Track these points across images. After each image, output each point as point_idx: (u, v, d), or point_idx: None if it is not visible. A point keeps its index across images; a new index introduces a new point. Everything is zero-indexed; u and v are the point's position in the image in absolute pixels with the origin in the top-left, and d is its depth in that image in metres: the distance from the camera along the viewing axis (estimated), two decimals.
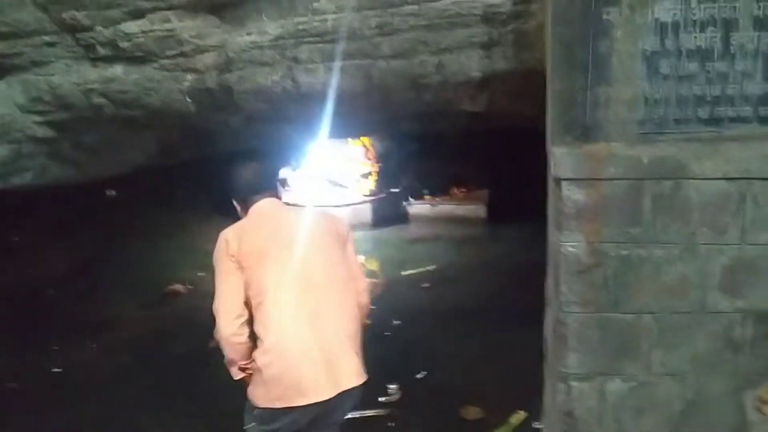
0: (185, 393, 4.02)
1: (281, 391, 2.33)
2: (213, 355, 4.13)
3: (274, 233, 2.45)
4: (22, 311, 5.44)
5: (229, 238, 2.38)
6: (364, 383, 2.43)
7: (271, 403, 2.34)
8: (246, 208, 2.51)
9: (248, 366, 2.39)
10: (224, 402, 3.80)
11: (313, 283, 2.40)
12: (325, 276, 2.44)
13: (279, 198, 2.59)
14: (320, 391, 2.32)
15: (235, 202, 2.57)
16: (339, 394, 2.35)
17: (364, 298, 2.61)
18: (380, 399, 3.84)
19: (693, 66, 2.16)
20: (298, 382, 2.32)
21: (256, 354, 2.35)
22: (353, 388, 2.39)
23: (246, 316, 2.36)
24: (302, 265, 2.40)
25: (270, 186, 2.57)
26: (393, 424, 3.61)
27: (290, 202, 2.82)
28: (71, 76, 2.96)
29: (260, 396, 2.37)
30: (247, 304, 2.36)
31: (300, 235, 2.47)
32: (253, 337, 2.38)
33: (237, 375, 2.43)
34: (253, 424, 2.46)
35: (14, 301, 5.51)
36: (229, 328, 2.34)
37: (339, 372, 2.35)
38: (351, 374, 2.39)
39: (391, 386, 3.96)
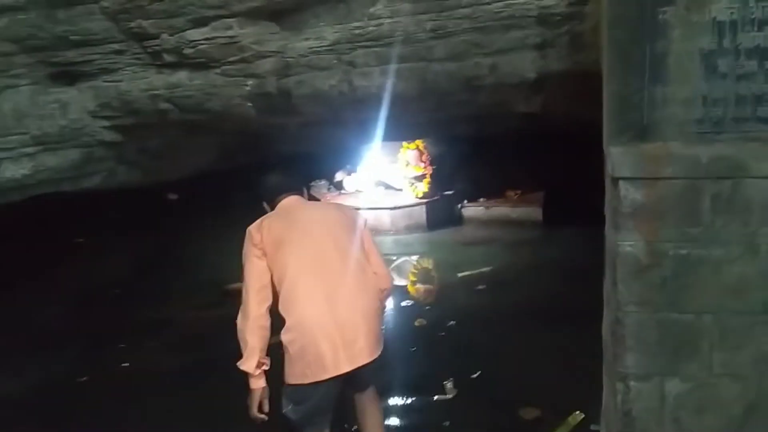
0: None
1: (305, 367, 2.58)
2: (272, 350, 4.22)
3: (293, 223, 2.73)
4: (88, 310, 5.66)
5: (254, 230, 2.67)
6: (380, 355, 2.72)
7: (299, 379, 2.59)
8: (273, 207, 2.80)
9: (265, 361, 2.62)
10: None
11: (329, 266, 2.66)
12: (340, 260, 2.69)
13: (303, 197, 2.90)
14: (339, 365, 2.58)
15: (264, 204, 2.84)
16: (358, 368, 2.62)
17: (384, 284, 2.85)
18: (435, 397, 3.88)
19: (751, 65, 2.12)
20: (319, 357, 2.57)
21: (282, 334, 2.57)
22: (371, 362, 2.66)
23: (270, 302, 2.62)
24: (318, 250, 2.67)
25: (294, 187, 2.88)
26: (448, 423, 3.63)
27: (312, 199, 3.11)
28: (138, 82, 3.10)
29: (289, 374, 2.61)
30: (272, 291, 2.63)
31: (316, 224, 2.77)
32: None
33: (252, 368, 2.61)
34: (290, 406, 2.69)
35: (81, 299, 5.75)
36: (257, 310, 2.59)
37: (355, 348, 2.61)
38: (366, 350, 2.65)
39: (447, 383, 3.98)
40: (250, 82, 2.96)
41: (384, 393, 3.08)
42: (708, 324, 2.27)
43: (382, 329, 2.84)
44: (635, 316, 2.29)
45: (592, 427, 3.31)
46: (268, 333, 2.63)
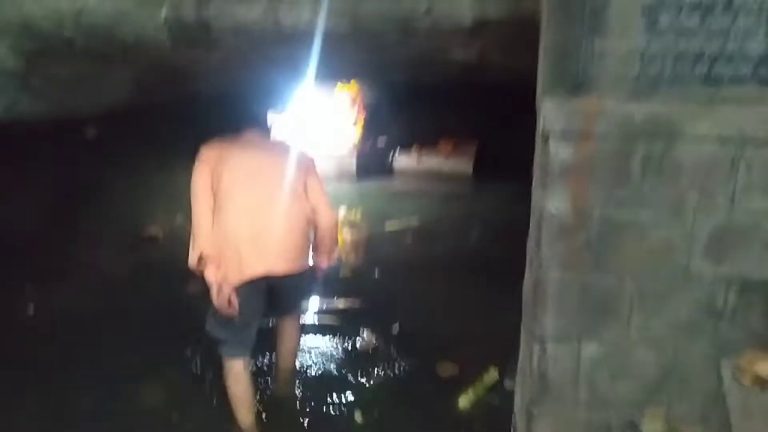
0: (157, 338, 3.98)
1: (228, 269, 2.95)
2: (188, 301, 4.12)
3: (243, 150, 3.17)
4: None
5: (208, 148, 3.16)
6: (301, 275, 3.14)
7: (224, 280, 2.93)
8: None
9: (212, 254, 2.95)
10: (193, 344, 3.81)
11: (261, 187, 3.08)
12: (273, 185, 3.10)
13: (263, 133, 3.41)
14: (254, 267, 2.98)
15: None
16: (275, 280, 3.05)
17: (325, 219, 3.23)
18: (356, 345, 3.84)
19: (693, 21, 2.04)
20: (237, 258, 2.96)
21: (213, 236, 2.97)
22: (288, 276, 3.06)
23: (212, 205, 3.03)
24: (255, 172, 3.09)
25: (256, 124, 3.37)
26: (365, 379, 3.59)
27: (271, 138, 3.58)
28: (41, 3, 2.79)
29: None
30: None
31: (260, 152, 3.21)
32: None
33: (199, 264, 2.95)
34: (214, 321, 3.08)
35: None
36: (202, 209, 3.01)
37: (270, 255, 3.01)
38: (282, 261, 3.05)
39: (365, 334, 3.95)
40: (164, 9, 2.69)
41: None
42: (629, 288, 2.23)
43: (306, 257, 3.20)
44: (557, 278, 2.24)
45: (506, 383, 3.32)
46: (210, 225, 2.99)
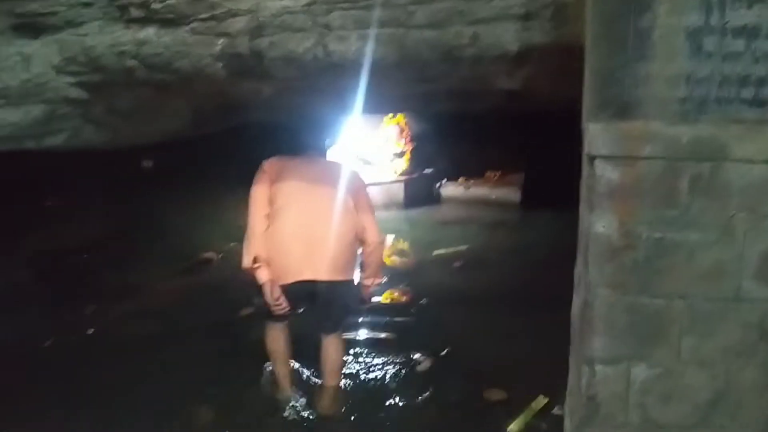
0: (207, 360, 4.08)
1: (278, 271, 3.27)
2: (241, 323, 4.22)
3: (301, 167, 3.49)
4: (55, 274, 5.56)
5: (269, 161, 3.50)
6: (345, 286, 3.39)
7: (274, 282, 3.26)
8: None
9: (264, 257, 3.26)
10: (247, 367, 3.89)
11: (315, 201, 3.36)
12: (327, 200, 3.37)
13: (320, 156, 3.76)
14: (302, 272, 3.26)
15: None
16: (318, 282, 3.27)
17: (371, 237, 3.49)
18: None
19: (738, 44, 2.06)
20: (287, 263, 3.27)
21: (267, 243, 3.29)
22: (332, 282, 3.30)
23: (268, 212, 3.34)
24: (311, 188, 3.38)
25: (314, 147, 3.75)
26: (412, 401, 3.61)
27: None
28: (104, 37, 2.96)
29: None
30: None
31: (317, 170, 3.52)
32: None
33: (253, 265, 3.27)
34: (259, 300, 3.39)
35: (47, 264, 5.64)
36: (259, 216, 3.33)
37: (317, 262, 3.26)
38: (328, 269, 3.28)
39: (418, 356, 3.97)
40: (220, 41, 2.83)
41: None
42: (679, 309, 2.22)
43: (351, 270, 3.45)
44: (605, 299, 2.24)
45: (555, 410, 3.30)
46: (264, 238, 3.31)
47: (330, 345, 3.54)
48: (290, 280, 3.27)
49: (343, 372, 3.75)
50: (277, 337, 3.55)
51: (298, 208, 3.32)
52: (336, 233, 3.31)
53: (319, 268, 3.27)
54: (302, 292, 3.33)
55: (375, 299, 3.68)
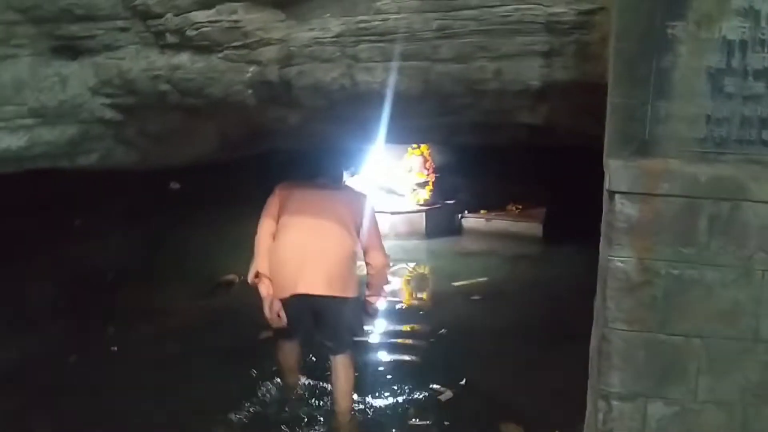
0: (226, 381, 4.12)
1: (277, 287, 3.47)
2: (260, 347, 4.27)
3: (309, 190, 3.71)
4: (81, 291, 5.64)
5: (282, 185, 3.75)
6: (343, 302, 3.48)
7: (274, 296, 3.48)
8: None
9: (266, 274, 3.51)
10: (266, 390, 3.93)
11: (318, 221, 3.52)
12: (330, 220, 3.53)
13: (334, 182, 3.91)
14: (297, 286, 3.40)
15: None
16: (314, 297, 3.41)
17: (376, 260, 3.68)
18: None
19: (759, 87, 2.09)
20: (284, 278, 3.45)
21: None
22: (329, 298, 3.42)
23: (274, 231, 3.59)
24: (315, 208, 3.58)
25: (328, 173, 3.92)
26: (434, 428, 3.61)
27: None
28: (140, 61, 3.05)
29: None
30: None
31: (325, 193, 3.72)
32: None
33: (255, 279, 3.55)
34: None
35: (75, 281, 5.72)
36: (264, 234, 3.59)
37: (312, 278, 3.40)
38: (324, 285, 3.41)
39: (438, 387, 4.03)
40: (251, 68, 2.91)
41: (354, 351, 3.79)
42: (696, 348, 2.23)
43: (350, 288, 3.53)
44: (623, 335, 2.25)
45: None
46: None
47: (338, 366, 3.62)
48: (287, 294, 3.44)
49: (353, 393, 3.77)
50: (287, 352, 3.80)
51: (299, 227, 3.52)
52: (332, 251, 3.47)
53: (314, 283, 3.40)
54: (302, 307, 3.47)
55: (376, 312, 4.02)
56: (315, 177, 3.85)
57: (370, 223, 3.69)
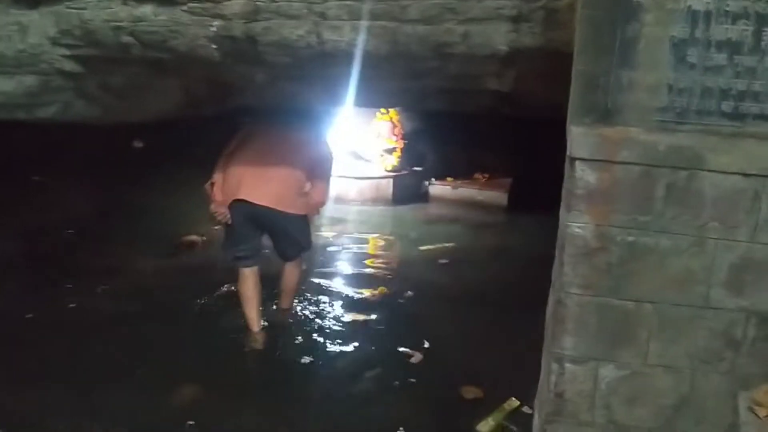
0: (185, 340, 4.12)
1: (226, 194, 3.95)
2: (220, 305, 4.26)
3: (273, 126, 4.15)
4: (39, 249, 5.57)
5: (248, 125, 4.21)
6: (288, 215, 3.99)
7: (223, 202, 3.96)
8: None
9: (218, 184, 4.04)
10: (226, 348, 3.94)
11: (271, 151, 3.97)
12: (283, 153, 3.98)
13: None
14: (247, 193, 3.88)
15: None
16: (258, 206, 3.89)
17: (317, 196, 4.17)
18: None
19: (721, 58, 2.11)
20: (235, 186, 3.90)
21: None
22: (273, 210, 3.92)
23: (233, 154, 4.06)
24: (270, 142, 4.04)
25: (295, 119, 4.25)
26: (388, 385, 3.66)
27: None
28: (101, 11, 2.95)
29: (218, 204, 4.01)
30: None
31: (285, 132, 4.12)
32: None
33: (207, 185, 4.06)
34: (224, 240, 4.20)
35: (32, 239, 5.64)
36: (224, 155, 4.06)
37: (262, 191, 3.88)
38: (273, 198, 3.90)
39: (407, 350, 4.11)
40: (216, 22, 2.84)
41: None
42: (647, 313, 2.28)
43: (293, 208, 4.01)
44: (577, 299, 2.30)
45: (526, 409, 3.34)
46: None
47: (287, 268, 4.37)
48: (231, 198, 3.91)
49: (295, 293, 4.58)
50: (246, 280, 4.11)
51: (255, 151, 3.98)
52: (280, 174, 3.94)
53: (257, 194, 3.88)
54: (243, 212, 3.92)
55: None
56: (283, 120, 4.22)
57: (323, 167, 4.20)
